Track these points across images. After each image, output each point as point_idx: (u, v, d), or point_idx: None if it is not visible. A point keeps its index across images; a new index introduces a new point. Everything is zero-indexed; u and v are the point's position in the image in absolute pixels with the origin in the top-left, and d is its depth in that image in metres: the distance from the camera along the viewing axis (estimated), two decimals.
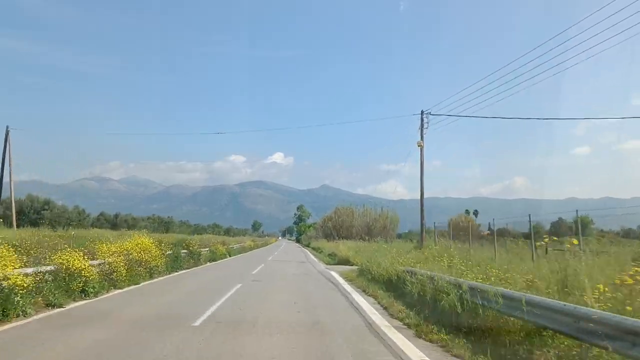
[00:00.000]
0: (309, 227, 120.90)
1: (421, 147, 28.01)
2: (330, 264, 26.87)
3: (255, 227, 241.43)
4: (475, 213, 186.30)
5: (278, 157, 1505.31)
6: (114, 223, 66.84)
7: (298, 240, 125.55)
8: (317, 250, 46.04)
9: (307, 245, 72.38)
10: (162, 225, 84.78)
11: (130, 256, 15.01)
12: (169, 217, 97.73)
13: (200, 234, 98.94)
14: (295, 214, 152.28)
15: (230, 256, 35.08)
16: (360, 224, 69.34)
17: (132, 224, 69.37)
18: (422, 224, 28.32)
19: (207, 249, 30.28)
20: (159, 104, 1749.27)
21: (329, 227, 69.92)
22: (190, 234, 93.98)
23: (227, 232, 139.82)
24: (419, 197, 27.86)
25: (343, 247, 29.43)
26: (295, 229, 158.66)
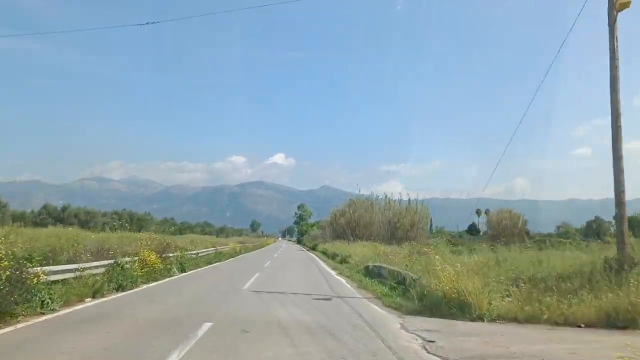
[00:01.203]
0: (312, 225, 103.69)
1: (626, 5, 10.96)
2: (410, 312, 9.34)
3: (254, 227, 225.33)
4: (487, 213, 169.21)
5: (279, 157, 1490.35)
6: (60, 218, 49.78)
7: (299, 242, 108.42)
8: (334, 259, 28.64)
9: (313, 249, 54.98)
10: (133, 222, 67.61)
11: None
12: (146, 212, 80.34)
13: (184, 233, 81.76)
14: (295, 213, 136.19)
15: (179, 273, 18.02)
16: (381, 220, 52.30)
17: (85, 220, 52.60)
18: (619, 201, 11.13)
19: (105, 262, 13.12)
20: (160, 104, 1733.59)
21: (341, 224, 52.73)
22: (172, 233, 76.76)
23: (221, 231, 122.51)
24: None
25: (435, 258, 11.58)
26: (296, 229, 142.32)
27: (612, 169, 10.29)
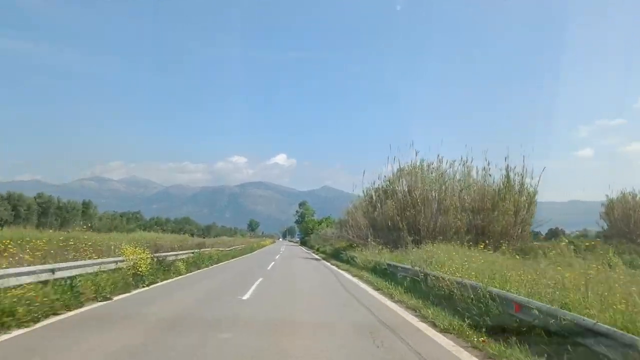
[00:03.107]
0: (320, 223, 78.84)
1: None
2: None
3: (252, 226, 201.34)
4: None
5: (280, 158, 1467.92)
6: None
7: (304, 243, 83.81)
8: None
9: (336, 257, 29.85)
10: (47, 214, 43.02)
11: None
12: (87, 201, 55.39)
13: (151, 231, 56.71)
14: (297, 212, 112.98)
15: None
16: (459, 207, 27.62)
17: None
18: None
19: None
20: (160, 104, 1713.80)
21: (387, 213, 27.84)
22: (127, 232, 52.40)
23: (207, 231, 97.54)
24: None
25: None
26: (298, 229, 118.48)
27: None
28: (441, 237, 23.59)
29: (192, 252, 21.25)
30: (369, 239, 32.95)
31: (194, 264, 19.06)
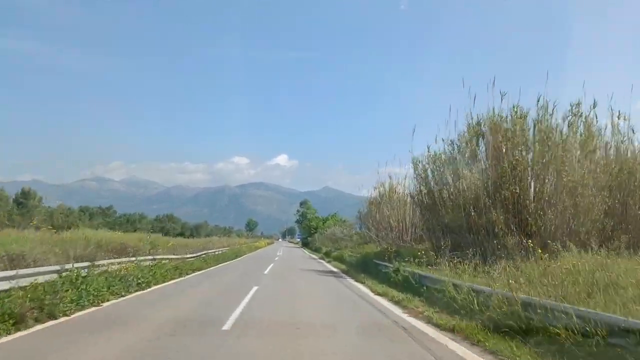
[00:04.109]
0: (325, 221, 66.58)
1: None
2: None
3: (250, 226, 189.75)
4: None
5: (282, 159, 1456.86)
6: None
7: (306, 244, 71.83)
8: None
9: (378, 277, 16.96)
10: None
11: None
12: (27, 189, 43.00)
13: (118, 230, 43.86)
14: (298, 211, 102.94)
15: None
16: (587, 184, 15.43)
17: None
18: None
19: None
20: (161, 104, 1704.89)
21: (468, 198, 15.88)
22: (60, 227, 40.71)
23: (197, 231, 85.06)
24: None
25: None
26: (299, 228, 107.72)
27: None
28: (565, 238, 11.63)
29: (60, 273, 9.01)
30: (408, 238, 21.10)
31: (43, 307, 6.88)
